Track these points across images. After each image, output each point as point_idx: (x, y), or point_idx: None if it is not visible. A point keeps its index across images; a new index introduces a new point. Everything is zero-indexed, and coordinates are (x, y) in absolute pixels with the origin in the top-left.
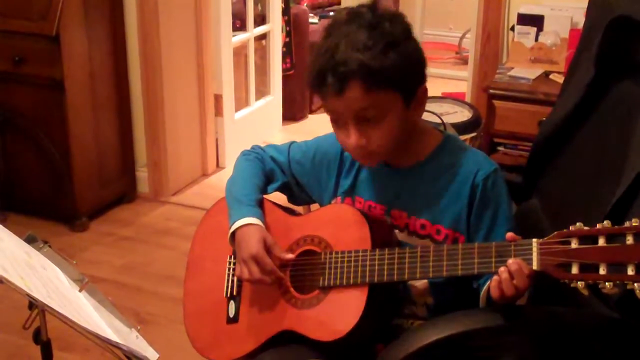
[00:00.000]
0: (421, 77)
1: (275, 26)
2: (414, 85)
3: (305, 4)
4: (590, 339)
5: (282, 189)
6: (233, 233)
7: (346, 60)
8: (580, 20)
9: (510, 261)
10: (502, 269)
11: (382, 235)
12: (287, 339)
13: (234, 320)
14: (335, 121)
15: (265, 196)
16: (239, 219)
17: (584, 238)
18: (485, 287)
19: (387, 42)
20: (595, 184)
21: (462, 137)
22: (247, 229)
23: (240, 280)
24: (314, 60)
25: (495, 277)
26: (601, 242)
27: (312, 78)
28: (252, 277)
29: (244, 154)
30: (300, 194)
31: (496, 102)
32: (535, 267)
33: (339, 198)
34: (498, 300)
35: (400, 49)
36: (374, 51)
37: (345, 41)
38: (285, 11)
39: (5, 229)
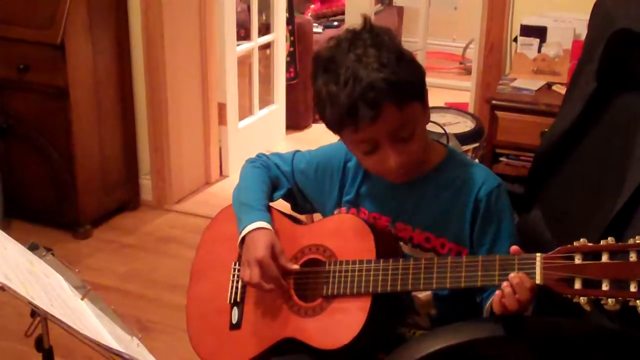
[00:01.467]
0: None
1: (279, 36)
2: (424, 88)
3: (309, 14)
4: (592, 350)
5: (286, 196)
6: (243, 237)
7: (373, 84)
8: (583, 32)
9: (512, 275)
10: (504, 283)
11: (387, 246)
12: (290, 347)
13: (236, 326)
14: (368, 152)
15: (271, 204)
16: (251, 223)
17: (588, 254)
18: (488, 303)
19: (396, 55)
20: (597, 195)
21: (465, 148)
22: (257, 233)
23: (244, 287)
24: (333, 96)
25: (497, 292)
26: (604, 258)
27: (339, 114)
28: (251, 280)
29: (250, 161)
30: (303, 202)
31: (499, 113)
32: (538, 281)
33: (344, 208)
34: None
35: (406, 58)
36: (390, 67)
37: (361, 66)
38: (290, 21)
39: (8, 237)
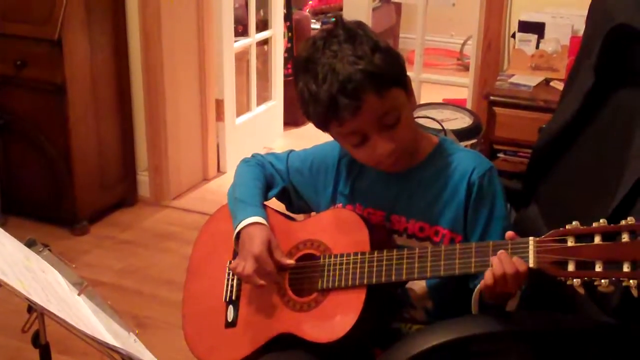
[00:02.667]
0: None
1: (277, 32)
2: (405, 74)
3: (307, 10)
4: (589, 344)
5: (281, 195)
6: (239, 232)
7: (350, 76)
8: (581, 28)
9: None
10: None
11: (381, 239)
12: (286, 342)
13: (232, 324)
14: (357, 144)
15: (265, 202)
16: (245, 219)
17: (580, 236)
18: (478, 287)
19: (371, 46)
20: (594, 191)
21: (463, 144)
22: (252, 228)
23: (239, 285)
24: (313, 94)
25: (489, 269)
26: (597, 240)
27: (321, 110)
28: (243, 272)
29: (245, 160)
30: (298, 201)
31: (497, 109)
32: (531, 264)
33: (339, 204)
34: (488, 292)
35: (382, 47)
36: (366, 58)
37: (337, 61)
38: (287, 17)
39: (5, 232)
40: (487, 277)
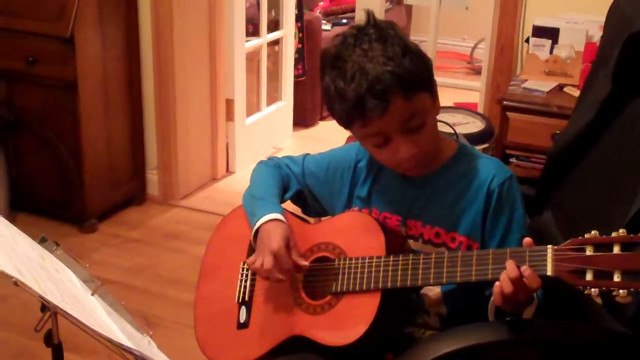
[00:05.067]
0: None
1: (288, 32)
2: (433, 78)
3: (318, 11)
4: (602, 354)
5: (296, 197)
6: (257, 229)
7: (379, 77)
8: (596, 34)
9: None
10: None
11: (396, 244)
12: (298, 345)
13: (244, 325)
14: (379, 145)
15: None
16: (266, 215)
17: (599, 246)
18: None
19: (402, 48)
20: (609, 200)
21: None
22: (272, 225)
23: (252, 287)
24: (340, 92)
25: (497, 283)
26: (616, 249)
27: (347, 108)
28: (263, 268)
29: (262, 162)
30: (314, 204)
31: (510, 114)
32: (549, 272)
33: (355, 207)
34: (501, 304)
35: (412, 50)
36: (396, 60)
37: (367, 60)
38: (299, 18)
39: (19, 231)
40: (496, 296)
